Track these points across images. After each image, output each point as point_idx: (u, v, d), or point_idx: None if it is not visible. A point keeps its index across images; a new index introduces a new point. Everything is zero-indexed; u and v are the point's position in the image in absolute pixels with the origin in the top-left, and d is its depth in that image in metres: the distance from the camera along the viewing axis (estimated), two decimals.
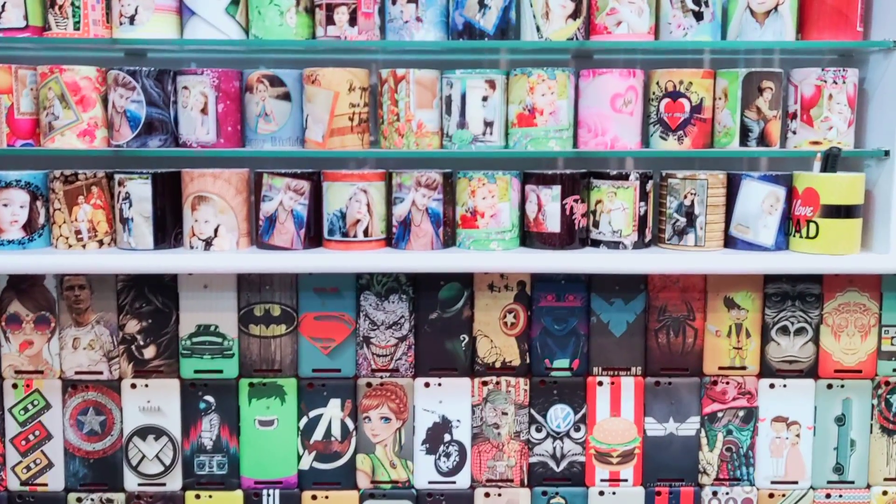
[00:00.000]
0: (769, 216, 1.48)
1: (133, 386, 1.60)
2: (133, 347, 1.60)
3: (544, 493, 1.64)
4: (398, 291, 1.60)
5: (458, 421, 1.63)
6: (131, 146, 1.46)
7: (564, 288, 1.61)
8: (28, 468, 1.61)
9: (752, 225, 1.49)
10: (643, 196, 1.49)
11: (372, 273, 1.58)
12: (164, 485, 1.62)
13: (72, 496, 1.62)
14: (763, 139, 1.47)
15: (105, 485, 1.62)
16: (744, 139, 1.48)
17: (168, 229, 1.49)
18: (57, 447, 1.61)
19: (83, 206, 1.47)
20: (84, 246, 1.49)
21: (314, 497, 1.63)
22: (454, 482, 1.64)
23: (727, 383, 1.63)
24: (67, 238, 1.48)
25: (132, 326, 1.59)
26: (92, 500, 1.62)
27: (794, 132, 1.50)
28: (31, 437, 1.60)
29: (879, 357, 1.62)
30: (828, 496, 1.65)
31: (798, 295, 1.61)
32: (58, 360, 1.59)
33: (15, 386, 1.60)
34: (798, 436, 1.64)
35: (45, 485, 1.61)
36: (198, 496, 1.62)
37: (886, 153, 1.46)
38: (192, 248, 1.49)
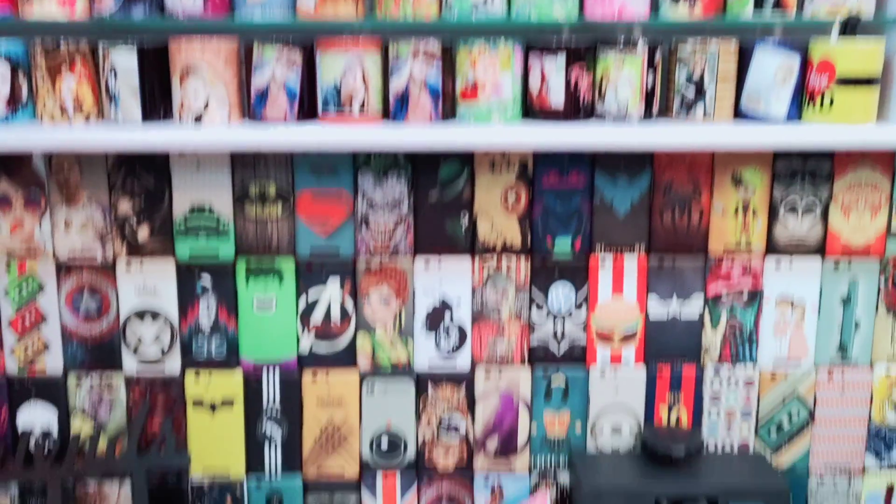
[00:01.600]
0: (782, 87, 1.40)
1: (128, 267, 1.56)
2: (126, 228, 1.55)
3: (545, 374, 1.62)
4: (396, 170, 1.54)
5: (459, 301, 1.60)
6: (115, 16, 1.38)
7: (567, 166, 1.54)
8: (25, 350, 1.58)
9: (763, 97, 1.41)
10: (651, 67, 1.42)
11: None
12: (162, 367, 1.60)
13: (71, 379, 1.59)
14: (779, 5, 1.39)
15: (104, 367, 1.60)
16: (758, 5, 1.39)
17: (156, 103, 1.42)
18: (54, 330, 1.58)
19: (67, 78, 1.40)
20: (70, 121, 1.42)
21: (314, 378, 1.61)
22: (454, 362, 1.62)
23: (732, 263, 1.59)
24: (52, 113, 1.41)
25: (125, 206, 1.54)
26: (91, 381, 1.60)
27: None
28: (27, 319, 1.57)
29: (889, 236, 1.57)
30: (830, 375, 1.62)
31: (808, 172, 1.55)
32: (50, 242, 1.55)
33: (8, 268, 1.55)
34: (803, 316, 1.60)
35: (44, 367, 1.59)
36: (197, 374, 1.60)
37: None
38: (181, 121, 1.42)
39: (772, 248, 1.57)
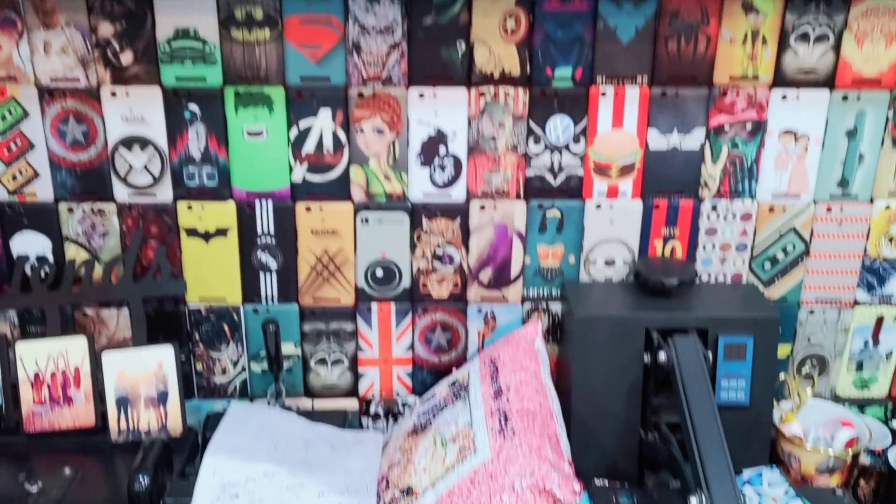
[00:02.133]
0: None
1: (113, 94, 1.51)
2: (109, 52, 1.48)
3: (540, 206, 1.60)
4: None
5: (454, 133, 1.55)
6: None
7: None
8: (14, 177, 1.55)
9: None
10: None
11: None
12: (154, 195, 1.58)
13: (62, 206, 1.58)
14: None
15: (95, 195, 1.57)
16: None
17: None
18: (41, 157, 1.54)
19: None
20: None
21: (308, 209, 1.59)
22: (449, 194, 1.60)
23: (737, 94, 1.53)
24: None
25: (105, 29, 1.47)
26: (84, 209, 1.58)
27: None
28: (12, 146, 1.53)
29: None
30: (829, 210, 1.60)
31: None
32: (30, 66, 1.49)
33: None
34: (806, 149, 1.56)
35: (34, 194, 1.57)
36: (189, 206, 1.58)
37: None
38: None
39: (779, 78, 1.51)
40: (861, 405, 1.73)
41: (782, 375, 1.63)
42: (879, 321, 1.67)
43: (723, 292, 1.60)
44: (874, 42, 1.48)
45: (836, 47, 1.49)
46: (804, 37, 1.48)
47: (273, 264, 1.62)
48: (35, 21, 1.45)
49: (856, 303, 1.66)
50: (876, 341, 1.69)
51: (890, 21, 1.47)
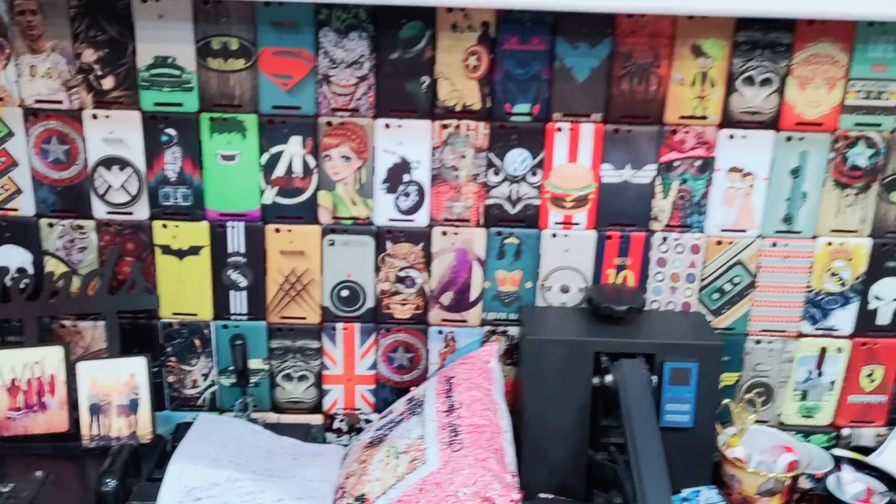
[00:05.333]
0: None
1: (94, 117, 1.56)
2: (91, 77, 1.54)
3: (499, 234, 1.65)
4: (358, 28, 1.51)
5: (418, 162, 1.61)
6: None
7: (529, 30, 1.52)
8: None
9: None
10: None
11: (330, 7, 1.49)
12: (131, 214, 1.63)
13: (43, 221, 1.63)
14: None
15: (75, 212, 1.63)
16: None
17: None
18: (24, 174, 1.59)
19: None
20: None
21: (277, 230, 1.64)
22: (412, 220, 1.65)
23: (687, 132, 1.59)
24: None
25: (89, 55, 1.52)
26: (63, 225, 1.63)
27: None
28: None
29: (842, 111, 1.56)
30: (774, 245, 1.65)
31: (768, 44, 1.52)
32: (16, 88, 1.54)
33: None
34: (752, 186, 1.61)
35: (16, 209, 1.62)
36: (164, 226, 1.63)
37: None
38: None
39: (727, 118, 1.57)
40: (806, 433, 1.77)
41: (727, 401, 1.68)
42: (823, 352, 1.72)
43: (671, 320, 1.65)
44: (816, 87, 1.54)
45: (781, 91, 1.55)
46: (749, 80, 1.54)
47: (243, 282, 1.67)
48: (22, 46, 1.51)
49: (800, 334, 1.71)
50: (819, 371, 1.73)
51: (830, 68, 1.53)
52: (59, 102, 1.55)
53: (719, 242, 1.65)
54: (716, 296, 1.68)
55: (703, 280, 1.67)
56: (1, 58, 1.52)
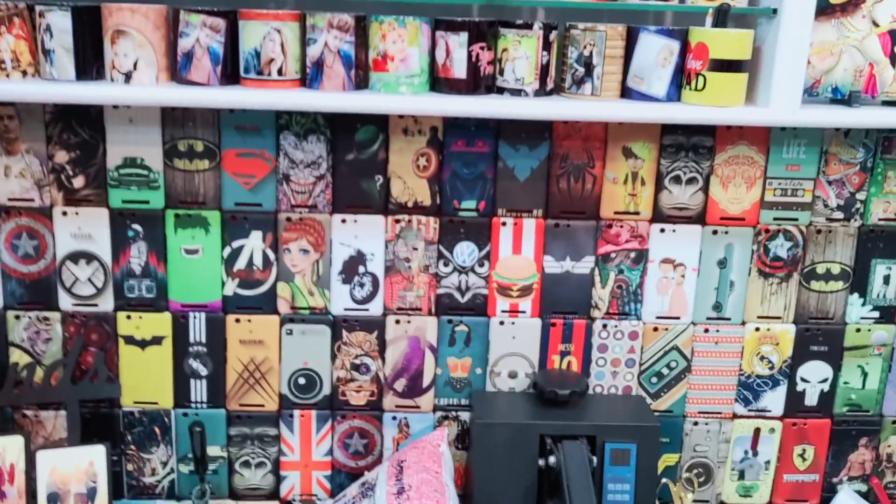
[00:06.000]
0: (663, 68, 1.52)
1: (64, 213, 1.65)
2: (63, 177, 1.63)
3: (450, 322, 1.74)
4: (316, 132, 1.63)
5: (372, 254, 1.71)
6: None
7: (474, 134, 1.65)
8: None
9: (646, 76, 1.52)
10: (546, 46, 1.52)
11: (291, 113, 1.61)
12: (96, 305, 1.70)
13: (10, 314, 1.68)
14: None
15: (41, 304, 1.69)
16: None
17: (90, 62, 1.49)
18: None
19: (5, 36, 1.46)
20: (8, 76, 1.49)
21: (237, 320, 1.72)
22: (367, 309, 1.74)
23: (621, 227, 1.71)
24: None
25: (61, 157, 1.62)
26: (30, 317, 1.69)
27: None
28: None
29: (762, 206, 1.71)
30: (706, 331, 1.76)
31: (692, 146, 1.67)
32: None
33: None
34: (683, 276, 1.74)
35: None
36: (129, 317, 1.70)
37: (774, 11, 1.48)
38: (112, 80, 1.50)
39: (657, 214, 1.70)
40: None
41: (665, 481, 1.75)
42: (757, 432, 1.81)
43: (612, 403, 1.74)
44: (737, 185, 1.68)
45: (705, 189, 1.69)
46: (677, 179, 1.68)
47: (203, 371, 1.73)
48: None
49: (734, 415, 1.81)
50: (755, 451, 1.82)
51: (748, 168, 1.67)
52: (31, 200, 1.63)
53: (655, 329, 1.75)
54: (654, 379, 1.78)
55: (641, 365, 1.77)
56: None
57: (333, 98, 1.48)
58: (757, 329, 1.76)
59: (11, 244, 1.65)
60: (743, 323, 1.76)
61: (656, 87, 1.52)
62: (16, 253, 1.65)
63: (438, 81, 1.54)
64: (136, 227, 1.65)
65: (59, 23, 1.45)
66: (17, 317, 1.68)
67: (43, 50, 1.48)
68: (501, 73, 1.53)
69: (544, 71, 1.53)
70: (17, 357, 1.70)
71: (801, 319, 1.76)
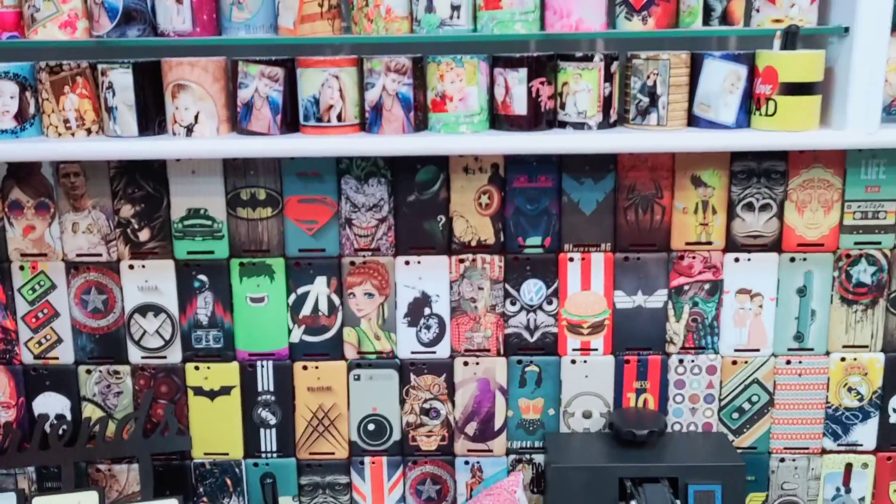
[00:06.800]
0: (730, 94, 1.47)
1: (131, 267, 1.67)
2: (129, 231, 1.65)
3: (519, 362, 1.71)
4: (377, 175, 1.63)
5: (437, 296, 1.69)
6: (111, 36, 1.48)
7: (536, 169, 1.63)
8: (40, 343, 1.70)
9: (713, 104, 1.48)
10: (608, 77, 1.49)
11: (350, 157, 1.61)
12: (165, 357, 1.71)
13: (81, 368, 1.71)
14: (725, 18, 1.46)
15: (111, 358, 1.71)
16: (707, 18, 1.46)
17: (151, 117, 1.52)
18: (65, 324, 1.69)
19: (69, 95, 1.50)
20: (73, 134, 1.52)
21: (305, 367, 1.71)
22: (434, 352, 1.71)
23: (693, 258, 1.66)
24: (57, 127, 1.52)
25: (126, 211, 1.64)
26: (100, 371, 1.71)
27: (758, 10, 1.47)
28: (40, 314, 1.68)
29: (841, 231, 1.64)
30: (788, 363, 1.70)
31: (763, 172, 1.62)
32: (59, 244, 1.65)
33: (22, 268, 1.66)
34: (761, 306, 1.67)
35: (57, 358, 1.70)
36: (197, 367, 1.71)
37: (846, 30, 1.43)
38: (174, 134, 1.52)
39: (731, 242, 1.65)
40: None
41: None
42: (848, 468, 1.73)
43: (693, 442, 1.68)
44: (813, 210, 1.62)
45: (780, 215, 1.63)
46: (749, 206, 1.63)
47: (272, 420, 1.72)
48: (66, 205, 1.63)
49: (823, 451, 1.73)
50: (848, 488, 1.74)
51: (824, 191, 1.61)
52: (99, 255, 1.65)
53: (734, 362, 1.69)
54: (735, 415, 1.72)
55: (721, 400, 1.71)
56: (46, 217, 1.63)
57: (394, 141, 1.47)
58: (843, 359, 1.68)
59: (81, 299, 1.67)
60: (827, 353, 1.69)
61: (724, 114, 1.48)
62: (85, 308, 1.68)
63: (498, 119, 1.52)
64: (202, 277, 1.66)
65: (121, 80, 1.47)
66: (89, 371, 1.70)
67: (106, 107, 1.50)
68: (563, 106, 1.51)
69: (607, 102, 1.50)
70: (90, 411, 1.71)
71: (891, 347, 1.68)
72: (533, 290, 1.67)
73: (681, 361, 1.70)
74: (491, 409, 1.72)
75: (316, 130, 1.50)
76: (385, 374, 1.71)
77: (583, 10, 1.45)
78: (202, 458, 1.74)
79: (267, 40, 1.49)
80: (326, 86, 1.47)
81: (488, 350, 1.70)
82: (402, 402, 1.72)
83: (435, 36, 1.47)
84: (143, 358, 1.70)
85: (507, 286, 1.67)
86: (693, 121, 1.52)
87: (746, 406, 1.71)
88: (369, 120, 1.51)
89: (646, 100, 1.49)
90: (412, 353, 1.70)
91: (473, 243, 1.65)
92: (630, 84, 1.51)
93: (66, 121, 1.51)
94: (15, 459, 1.65)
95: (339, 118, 1.49)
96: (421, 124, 1.53)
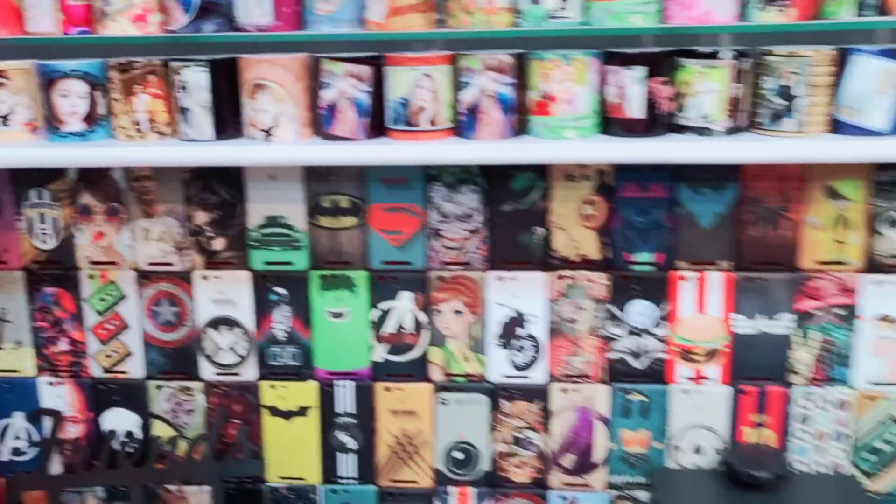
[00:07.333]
0: (883, 96, 1.28)
1: (204, 277, 1.56)
2: (202, 239, 1.55)
3: (624, 390, 1.55)
4: (469, 182, 1.49)
5: (533, 315, 1.54)
6: (186, 31, 1.36)
7: (648, 177, 1.46)
8: (108, 356, 1.61)
9: (862, 107, 1.29)
10: (737, 76, 1.32)
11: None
12: (238, 375, 1.60)
13: (151, 384, 1.62)
14: (883, 8, 1.27)
15: (183, 374, 1.61)
16: (859, 8, 1.27)
17: (227, 119, 1.40)
18: (135, 337, 1.60)
19: (141, 95, 1.39)
20: (144, 137, 1.42)
21: (387, 389, 1.59)
22: (529, 377, 1.57)
23: (825, 279, 1.48)
24: (127, 129, 1.41)
25: (200, 218, 1.54)
26: (171, 387, 1.62)
27: None
28: (109, 326, 1.60)
29: None
30: None
31: None
32: (130, 252, 1.56)
33: (91, 276, 1.58)
34: None
35: (126, 372, 1.62)
36: (272, 386, 1.60)
37: None
38: (252, 138, 1.40)
39: (870, 262, 1.46)
40: None
41: None
42: None
43: (819, 485, 1.50)
44: None
45: None
46: (893, 222, 1.43)
47: (352, 444, 1.61)
48: (137, 211, 1.53)
49: None
50: None
51: None
52: (171, 264, 1.55)
53: (871, 398, 1.50)
54: (870, 456, 1.53)
55: (853, 439, 1.52)
56: (116, 223, 1.54)
57: (492, 149, 1.33)
58: None
59: (152, 311, 1.58)
60: None
61: (876, 119, 1.29)
62: (156, 320, 1.58)
63: (609, 122, 1.36)
64: (279, 290, 1.55)
65: (196, 79, 1.36)
66: (159, 387, 1.61)
67: (179, 108, 1.39)
68: (681, 109, 1.34)
69: (735, 105, 1.32)
70: (159, 429, 1.62)
71: None
72: (640, 311, 1.51)
73: (807, 395, 1.51)
74: (590, 441, 1.57)
75: (405, 135, 1.36)
76: (474, 398, 1.57)
77: (711, 0, 1.27)
78: (277, 482, 1.63)
79: (353, 35, 1.35)
80: (418, 86, 1.33)
81: (589, 376, 1.55)
82: (492, 429, 1.58)
83: (540, 30, 1.31)
84: (216, 374, 1.60)
85: (612, 307, 1.51)
86: (836, 126, 1.33)
87: (883, 446, 1.52)
88: (464, 123, 1.36)
89: (782, 102, 1.31)
90: (504, 377, 1.56)
91: (575, 258, 1.50)
92: (761, 84, 1.33)
93: (137, 123, 1.40)
94: (83, 479, 1.58)
95: (432, 122, 1.35)
96: (521, 128, 1.38)
